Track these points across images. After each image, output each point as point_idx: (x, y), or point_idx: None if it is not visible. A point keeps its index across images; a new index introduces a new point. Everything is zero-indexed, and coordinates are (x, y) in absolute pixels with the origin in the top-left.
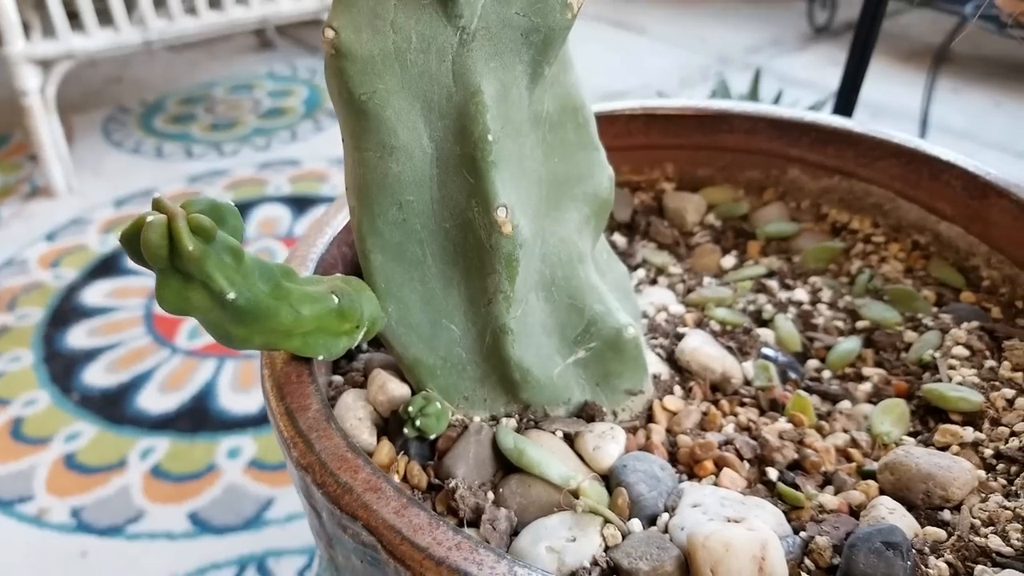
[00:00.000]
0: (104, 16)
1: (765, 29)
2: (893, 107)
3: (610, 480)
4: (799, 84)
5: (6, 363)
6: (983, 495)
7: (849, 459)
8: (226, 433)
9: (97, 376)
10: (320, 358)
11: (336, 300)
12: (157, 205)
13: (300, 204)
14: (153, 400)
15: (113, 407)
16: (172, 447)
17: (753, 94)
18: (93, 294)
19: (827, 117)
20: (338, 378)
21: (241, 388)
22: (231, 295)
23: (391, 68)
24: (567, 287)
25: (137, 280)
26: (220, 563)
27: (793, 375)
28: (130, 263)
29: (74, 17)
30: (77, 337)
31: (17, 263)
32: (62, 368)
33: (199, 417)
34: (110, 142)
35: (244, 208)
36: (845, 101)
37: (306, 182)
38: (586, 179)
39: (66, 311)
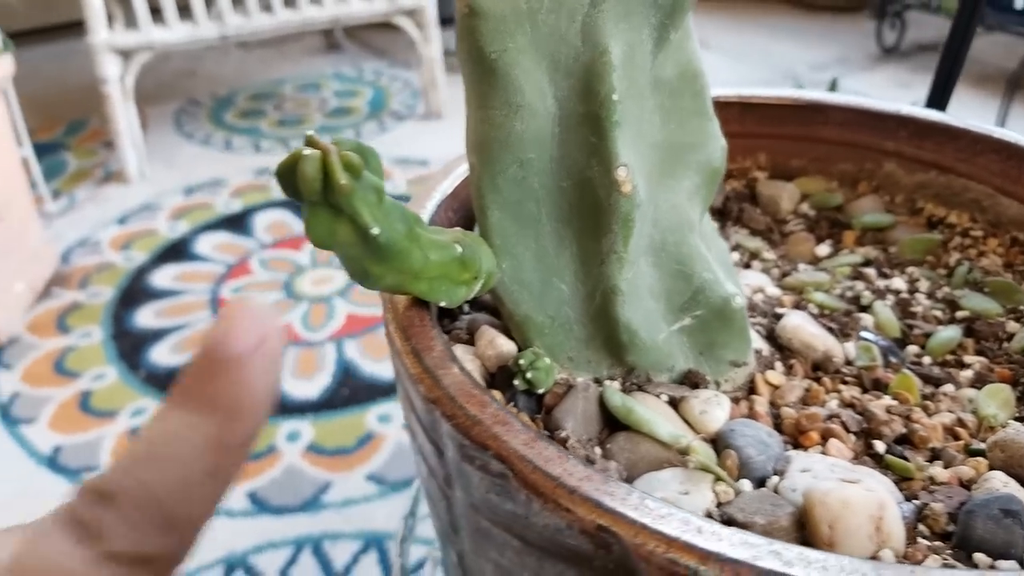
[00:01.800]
0: (184, 10)
1: (832, 47)
2: None
3: (717, 443)
4: None
5: (77, 338)
6: None
7: (956, 437)
8: (286, 417)
9: (163, 355)
10: (442, 303)
11: (459, 249)
12: (311, 141)
13: None
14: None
15: None
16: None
17: None
18: (161, 277)
19: (926, 111)
20: (444, 336)
21: (302, 374)
22: (375, 230)
23: (522, 27)
24: (676, 253)
25: (204, 266)
26: (277, 542)
27: (893, 358)
28: (197, 249)
29: (155, 10)
30: (145, 317)
31: (90, 244)
32: (130, 346)
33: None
34: (181, 133)
35: None
36: (937, 103)
37: None
38: (699, 147)
39: (135, 292)
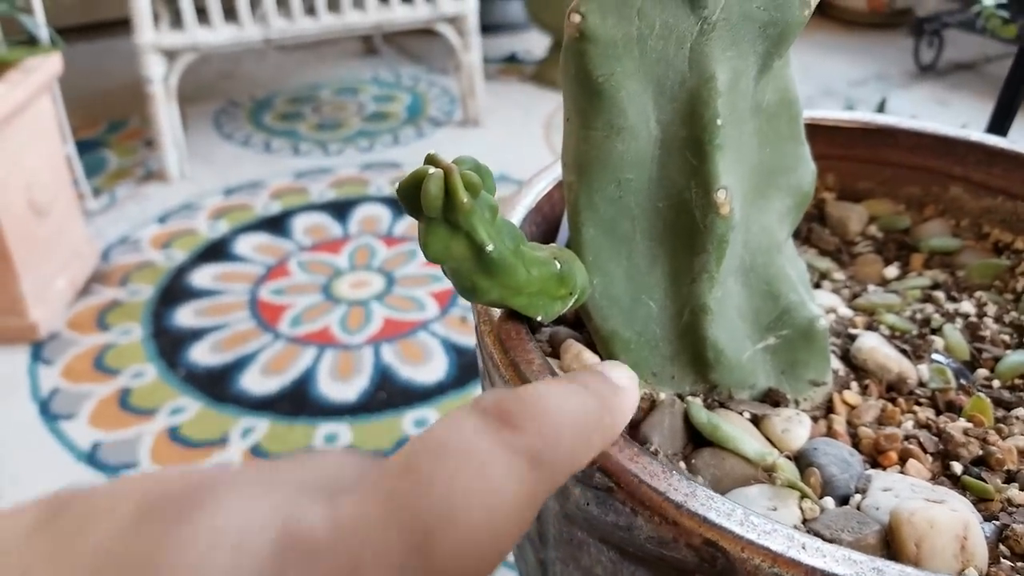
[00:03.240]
0: (229, 12)
1: (870, 64)
2: None
3: (799, 461)
4: None
5: (117, 335)
6: None
7: None
8: (324, 419)
9: (202, 354)
10: (539, 318)
11: (558, 266)
12: (432, 160)
13: (400, 206)
14: (255, 382)
15: (217, 385)
16: (272, 428)
17: None
18: (201, 277)
19: (994, 138)
20: None
21: (340, 377)
22: (489, 247)
23: (630, 52)
24: (765, 274)
25: (243, 267)
26: None
27: (964, 381)
28: (237, 249)
29: (201, 11)
30: (185, 316)
31: (131, 242)
32: (169, 344)
33: (299, 401)
34: (221, 134)
35: (347, 206)
36: (998, 129)
37: None
38: (791, 171)
39: (175, 291)
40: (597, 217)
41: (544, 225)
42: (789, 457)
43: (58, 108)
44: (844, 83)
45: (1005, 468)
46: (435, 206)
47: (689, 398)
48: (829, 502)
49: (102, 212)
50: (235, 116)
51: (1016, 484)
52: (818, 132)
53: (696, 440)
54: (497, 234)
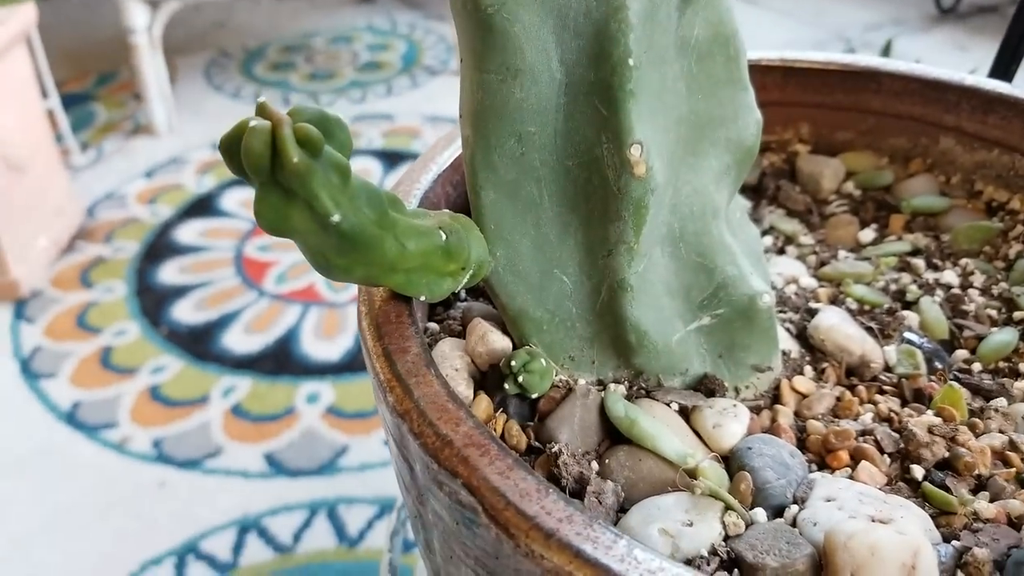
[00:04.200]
0: None
1: (887, 7)
2: None
3: (731, 462)
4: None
5: (100, 293)
6: None
7: (1007, 463)
8: (306, 378)
9: (186, 312)
10: (422, 298)
11: (444, 237)
12: (261, 110)
13: (391, 159)
14: (238, 340)
15: (199, 344)
16: (253, 387)
17: None
18: (187, 232)
19: (991, 82)
20: (434, 325)
21: (324, 335)
22: (335, 217)
23: None
24: (697, 244)
25: (230, 222)
26: (292, 505)
27: (939, 364)
28: (224, 204)
29: None
30: (169, 273)
31: (116, 197)
32: (152, 302)
33: (281, 360)
34: (211, 85)
35: None
36: (1003, 74)
37: (399, 137)
38: (731, 122)
39: (160, 247)
40: (497, 178)
41: (462, 186)
42: (719, 458)
43: (38, 61)
44: (859, 28)
45: (975, 473)
46: (261, 165)
47: (611, 385)
48: (760, 514)
49: (89, 167)
50: (226, 67)
51: (987, 493)
52: (792, 75)
53: (614, 436)
54: (349, 201)
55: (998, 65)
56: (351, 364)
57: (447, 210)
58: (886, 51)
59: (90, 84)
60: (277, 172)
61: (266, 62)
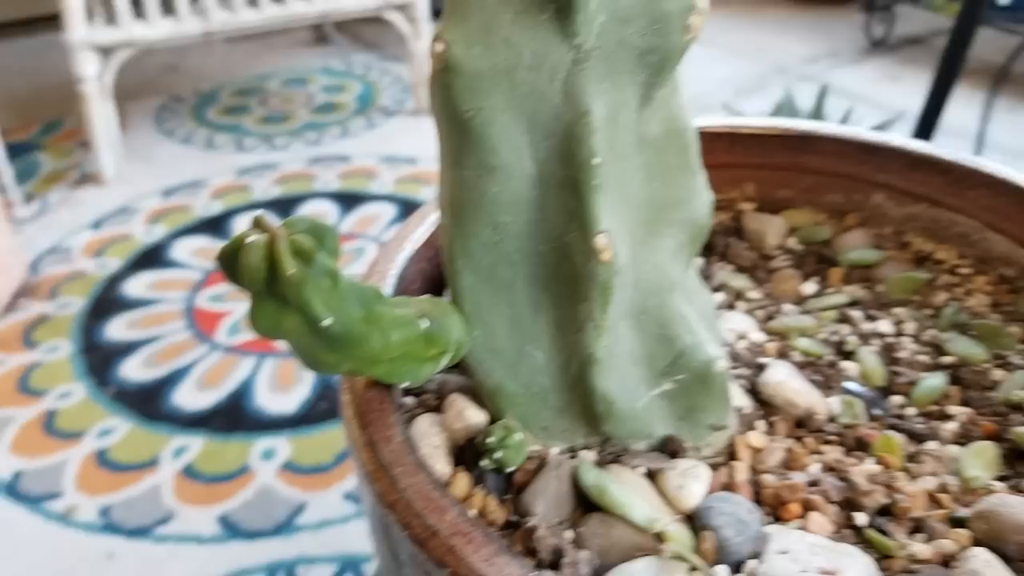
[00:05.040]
0: (167, 5)
1: (822, 41)
2: (952, 126)
3: (695, 521)
4: (856, 98)
5: (44, 353)
6: None
7: (939, 505)
8: (261, 434)
9: (135, 370)
10: (404, 384)
11: (425, 324)
12: (258, 224)
13: (348, 200)
14: (190, 397)
15: (149, 403)
16: (206, 446)
17: (818, 111)
18: (135, 285)
19: (917, 143)
20: (410, 399)
21: (280, 387)
22: (327, 321)
23: (499, 85)
24: (658, 316)
25: (181, 273)
26: (249, 569)
27: (877, 411)
28: (174, 254)
29: (137, 4)
30: (117, 329)
31: (61, 251)
32: (100, 360)
33: (235, 416)
34: (162, 131)
35: (291, 203)
36: (927, 123)
37: (355, 179)
38: (685, 204)
39: (107, 302)
40: (474, 264)
41: (436, 260)
42: (684, 517)
43: None
44: (797, 61)
45: (911, 516)
46: (258, 279)
47: (581, 453)
48: (722, 571)
49: (33, 220)
50: (177, 112)
51: (923, 535)
52: (737, 140)
53: (587, 504)
54: (339, 303)
55: (922, 125)
56: (307, 416)
57: (427, 296)
58: (820, 98)
59: (35, 133)
60: (273, 283)
61: (219, 106)
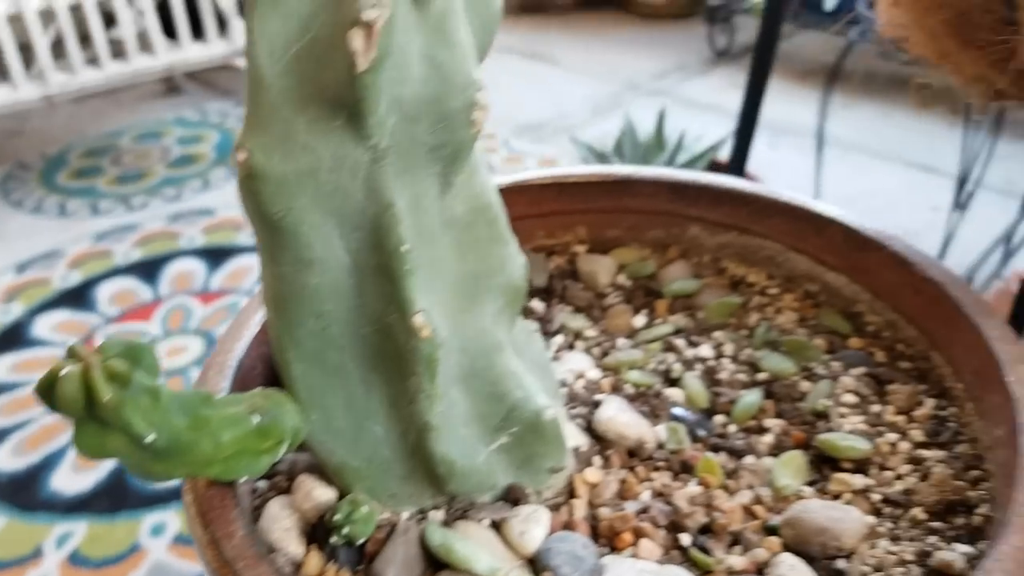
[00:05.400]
0: (0, 71)
1: (670, 55)
2: (794, 125)
3: (536, 564)
4: (704, 108)
5: None
6: (872, 542)
7: (754, 516)
8: (148, 509)
9: (4, 459)
10: (243, 479)
11: (256, 419)
12: (72, 353)
13: (216, 256)
14: (67, 481)
15: (24, 492)
16: (91, 530)
17: (659, 134)
18: None
19: (721, 179)
20: (263, 483)
21: None
22: (150, 438)
23: (304, 186)
24: (487, 376)
25: (43, 351)
26: None
27: (702, 432)
28: (35, 332)
29: None
30: None
31: None
32: None
33: (118, 494)
34: (9, 202)
35: (156, 265)
36: (746, 124)
37: (222, 232)
38: (499, 272)
39: None
40: (303, 352)
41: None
42: (527, 562)
43: None
44: (647, 76)
45: (730, 530)
46: (77, 408)
47: (431, 514)
48: None
49: None
50: (24, 180)
51: (740, 547)
52: (564, 189)
53: (436, 563)
54: (162, 417)
55: (734, 159)
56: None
57: (259, 389)
58: (660, 122)
59: None
60: (93, 409)
61: (69, 169)
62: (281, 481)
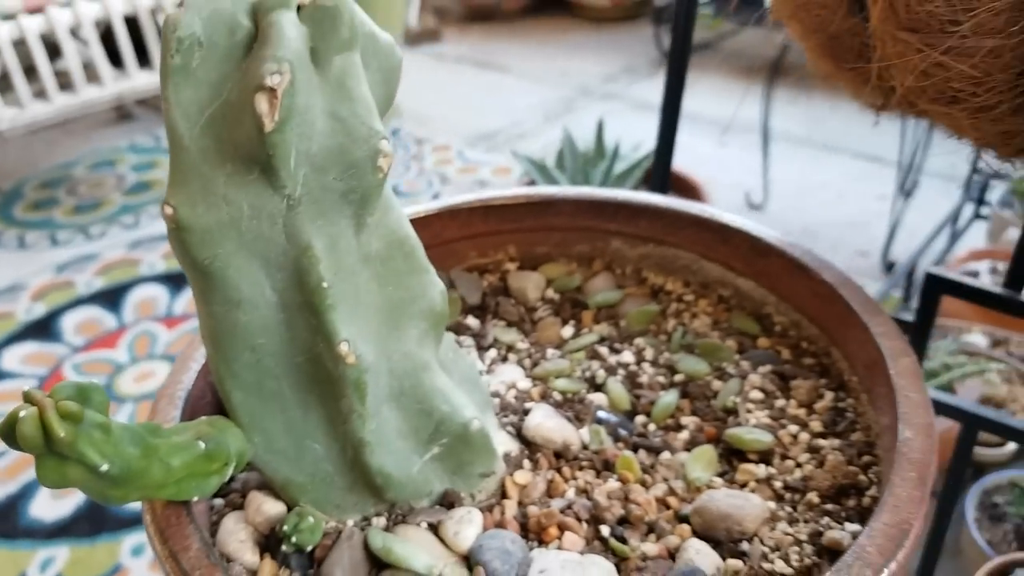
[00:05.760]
0: None
1: (618, 58)
2: (741, 122)
3: (470, 560)
4: (653, 108)
5: None
6: (772, 525)
7: (668, 507)
8: (128, 530)
9: None
10: (194, 499)
11: (202, 445)
12: (28, 398)
13: (177, 281)
14: (47, 508)
15: (5, 521)
16: (73, 554)
17: (599, 144)
18: None
19: (636, 195)
20: (219, 501)
21: None
22: (104, 467)
23: (228, 234)
24: (415, 394)
25: (14, 383)
26: None
27: (624, 432)
28: (3, 365)
29: None
30: None
31: None
32: None
33: (97, 518)
34: None
35: (118, 292)
36: (668, 119)
37: None
38: (420, 298)
39: None
40: (241, 382)
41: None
42: (461, 559)
43: None
44: (597, 80)
45: (646, 520)
46: (36, 444)
47: (374, 520)
48: None
49: None
50: None
51: (654, 535)
52: (491, 211)
53: (379, 564)
54: (114, 448)
55: (656, 167)
56: None
57: (204, 417)
58: (599, 131)
59: None
60: (50, 445)
61: (25, 202)
62: (235, 498)
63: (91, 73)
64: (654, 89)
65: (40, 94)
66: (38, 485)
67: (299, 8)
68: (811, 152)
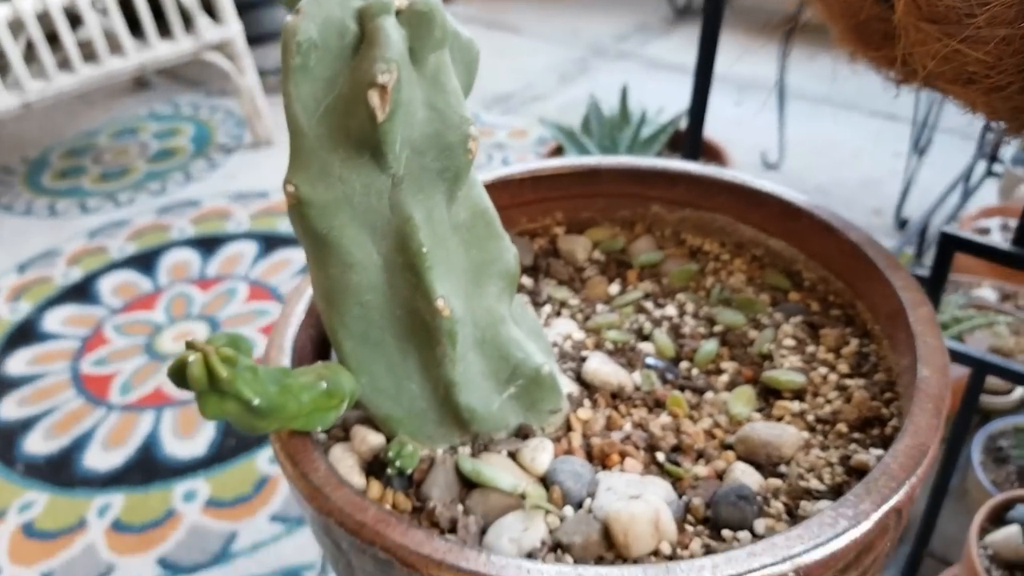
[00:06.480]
0: None
1: (631, 16)
2: (758, 80)
3: (546, 481)
4: (670, 68)
5: None
6: (806, 451)
7: (714, 437)
8: (178, 479)
9: (37, 444)
10: (318, 429)
11: (324, 384)
12: (191, 345)
13: (208, 245)
14: (99, 459)
15: (61, 471)
16: (128, 500)
17: (623, 110)
18: (16, 363)
19: (673, 163)
20: (323, 436)
21: (183, 434)
22: (256, 401)
23: (342, 208)
24: (495, 343)
25: (58, 344)
26: None
27: (670, 376)
28: (46, 327)
29: None
30: (8, 409)
31: None
32: (0, 442)
33: (149, 468)
34: None
35: (151, 257)
36: (702, 81)
37: (210, 222)
38: (497, 260)
39: None
40: (350, 332)
41: (319, 326)
42: (539, 480)
43: None
44: (610, 39)
45: (696, 448)
46: (202, 382)
47: (460, 449)
48: (569, 511)
49: None
50: (10, 184)
51: (703, 460)
52: (540, 181)
53: (469, 484)
54: (261, 386)
55: (689, 135)
56: (218, 455)
57: (320, 362)
58: (623, 98)
59: None
60: (213, 383)
61: (52, 171)
62: (338, 432)
63: (113, 43)
64: (668, 48)
65: (65, 64)
66: (88, 438)
67: (397, 12)
68: (828, 110)
